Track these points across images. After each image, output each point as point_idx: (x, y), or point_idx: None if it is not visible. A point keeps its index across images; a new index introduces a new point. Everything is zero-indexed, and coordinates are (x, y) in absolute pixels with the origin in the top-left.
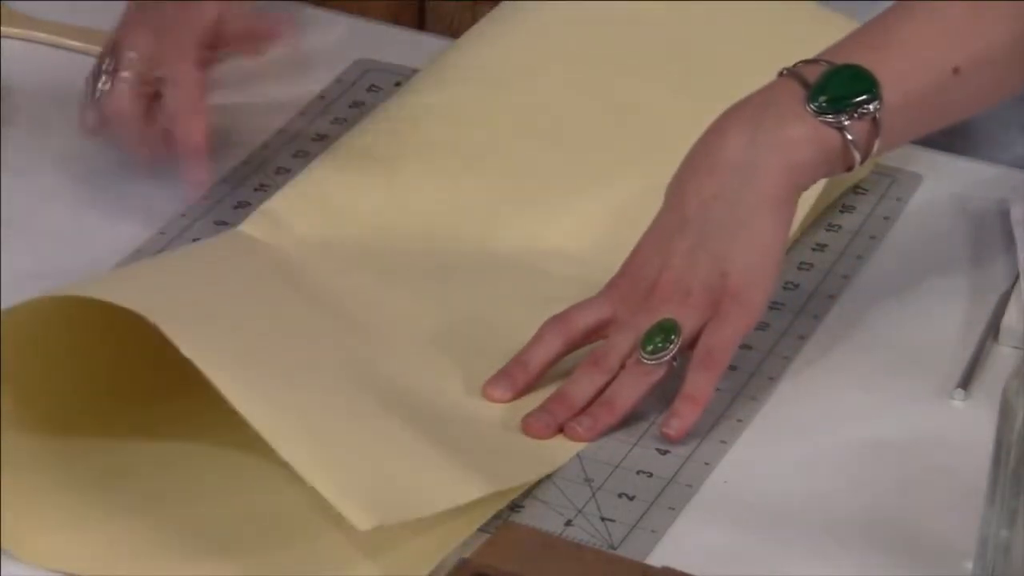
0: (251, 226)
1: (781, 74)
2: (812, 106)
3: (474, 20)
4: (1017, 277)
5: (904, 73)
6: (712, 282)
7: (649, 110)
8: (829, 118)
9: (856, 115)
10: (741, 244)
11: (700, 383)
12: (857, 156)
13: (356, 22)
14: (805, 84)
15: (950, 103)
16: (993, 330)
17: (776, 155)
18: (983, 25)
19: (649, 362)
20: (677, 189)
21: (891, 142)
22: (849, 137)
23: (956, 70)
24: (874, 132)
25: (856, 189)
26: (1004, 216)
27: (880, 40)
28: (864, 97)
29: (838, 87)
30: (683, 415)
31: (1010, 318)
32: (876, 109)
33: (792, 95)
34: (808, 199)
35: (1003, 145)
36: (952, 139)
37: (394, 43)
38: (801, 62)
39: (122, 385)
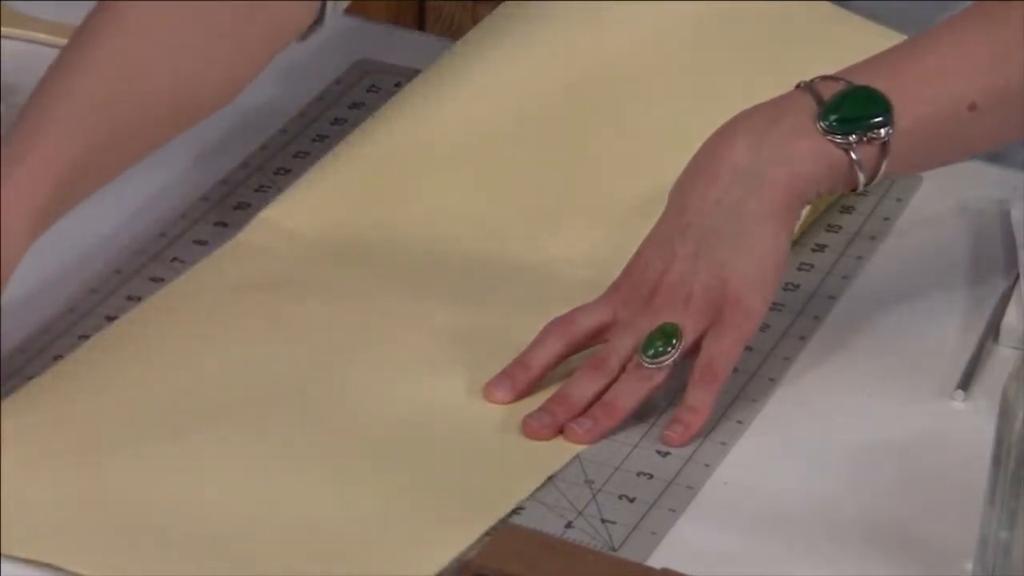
0: (250, 233)
1: (798, 86)
2: (822, 124)
3: (474, 20)
4: (1017, 278)
5: (919, 102)
6: (712, 288)
7: (653, 111)
8: (837, 138)
9: (865, 138)
10: (742, 252)
11: (702, 395)
12: (862, 178)
13: (356, 22)
14: (819, 100)
15: (963, 138)
16: (993, 331)
17: (780, 166)
18: (1005, 64)
19: (650, 366)
20: (680, 193)
21: (899, 169)
22: (855, 158)
23: (972, 106)
24: (882, 157)
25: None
26: (1004, 217)
27: (900, 67)
28: (876, 121)
29: (851, 108)
30: (686, 423)
31: (1010, 319)
32: (887, 134)
33: (803, 110)
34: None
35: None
36: None
37: (394, 43)
38: (819, 77)
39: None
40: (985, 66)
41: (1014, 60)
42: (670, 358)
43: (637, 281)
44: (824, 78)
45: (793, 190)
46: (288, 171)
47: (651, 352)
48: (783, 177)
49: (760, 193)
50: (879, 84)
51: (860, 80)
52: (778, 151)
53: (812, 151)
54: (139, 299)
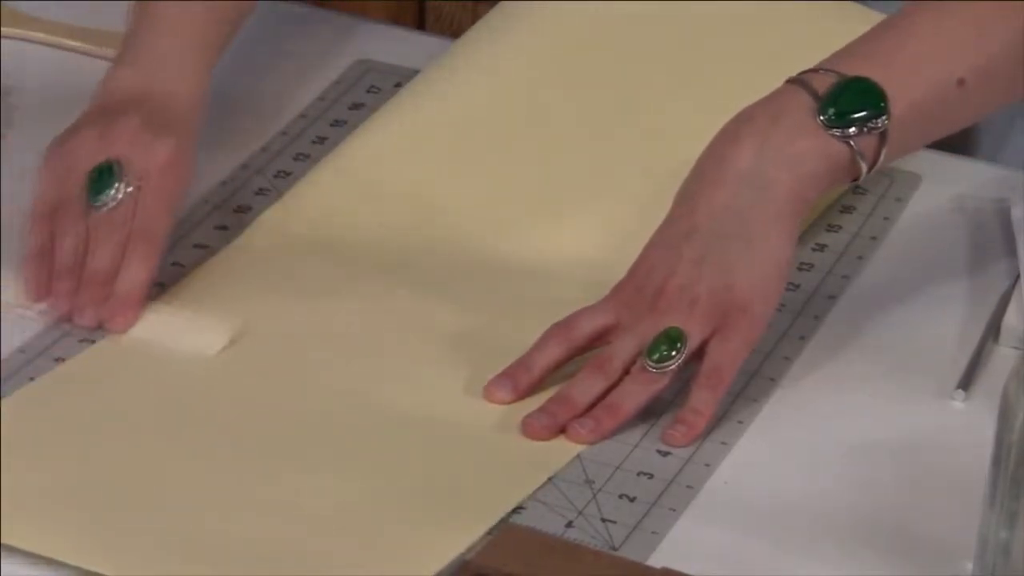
0: (251, 235)
1: (789, 81)
2: (822, 118)
3: (474, 20)
4: (1017, 277)
5: (910, 88)
6: (718, 293)
7: (653, 111)
8: (837, 132)
9: (865, 129)
10: (748, 257)
11: (706, 398)
12: (864, 168)
13: (356, 22)
14: (814, 95)
15: (955, 114)
16: (993, 330)
17: (785, 169)
18: (986, 38)
19: (654, 371)
20: (686, 197)
21: (896, 153)
22: (856, 149)
23: (961, 82)
24: (881, 145)
25: (856, 190)
26: (1004, 216)
27: (885, 55)
28: (874, 112)
29: (848, 101)
30: (690, 424)
31: (1010, 318)
32: (884, 124)
33: (801, 106)
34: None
35: (1003, 145)
36: (952, 139)
37: (394, 43)
38: (807, 71)
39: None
40: (969, 43)
41: (995, 33)
42: (674, 363)
43: (641, 284)
44: (813, 71)
45: (798, 192)
46: (288, 174)
47: (656, 356)
48: (788, 180)
49: (766, 198)
50: (869, 73)
51: (849, 70)
52: (781, 152)
53: (815, 149)
54: None
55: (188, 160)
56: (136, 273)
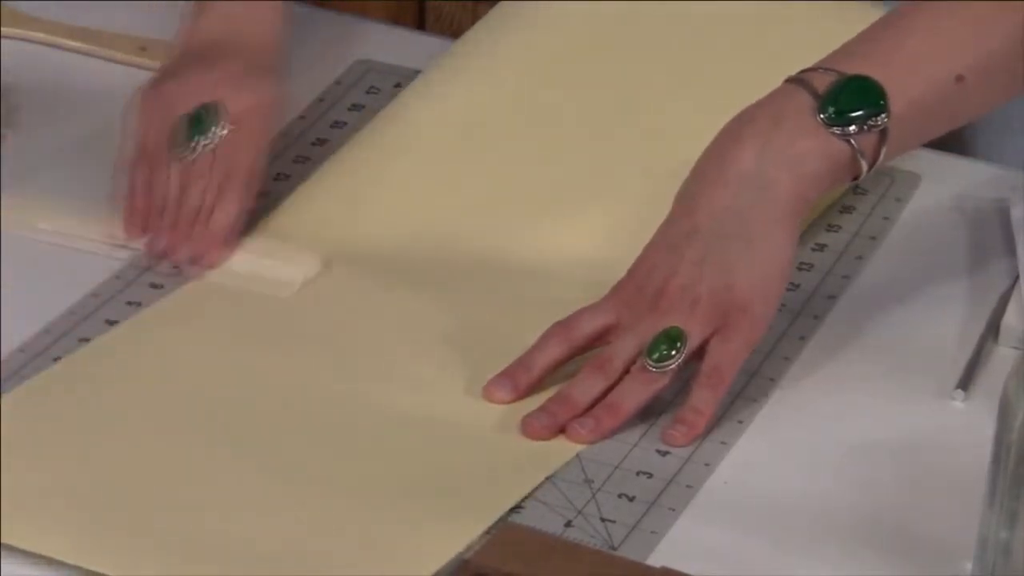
0: (254, 238)
1: (789, 80)
2: (822, 116)
3: (474, 20)
4: (1017, 277)
5: (909, 86)
6: (719, 293)
7: (653, 111)
8: (837, 130)
9: (865, 127)
10: (750, 257)
11: (706, 398)
12: (864, 166)
13: (356, 22)
14: (814, 94)
15: (955, 111)
16: (993, 330)
17: (786, 169)
18: (985, 35)
19: (654, 370)
20: (688, 197)
21: (896, 151)
22: (856, 147)
23: (960, 79)
24: (881, 143)
25: (856, 189)
26: (1004, 216)
27: (883, 53)
28: (874, 110)
29: (848, 100)
30: (690, 423)
31: (1010, 318)
32: (883, 122)
33: (802, 106)
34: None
35: (1003, 145)
36: (951, 139)
37: (394, 43)
38: (806, 70)
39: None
40: (968, 40)
41: (994, 30)
42: (674, 362)
43: (642, 283)
44: (812, 70)
45: (799, 192)
46: (288, 176)
47: (656, 356)
48: (789, 180)
49: (767, 198)
50: (868, 71)
51: (848, 69)
52: (782, 153)
53: (816, 149)
54: (138, 304)
55: (279, 103)
56: (228, 211)
